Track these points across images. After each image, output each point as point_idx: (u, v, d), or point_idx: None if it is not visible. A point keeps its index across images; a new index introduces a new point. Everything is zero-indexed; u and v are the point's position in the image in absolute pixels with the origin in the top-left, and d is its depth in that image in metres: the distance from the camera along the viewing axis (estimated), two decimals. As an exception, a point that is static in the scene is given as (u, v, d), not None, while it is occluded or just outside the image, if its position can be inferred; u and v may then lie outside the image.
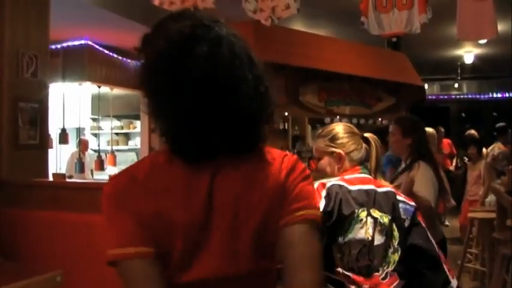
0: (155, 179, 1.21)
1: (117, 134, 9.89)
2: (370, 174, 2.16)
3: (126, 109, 8.32)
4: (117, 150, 9.03)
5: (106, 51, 7.96)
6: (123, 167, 5.97)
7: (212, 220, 1.20)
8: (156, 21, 1.26)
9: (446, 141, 10.18)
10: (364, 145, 2.26)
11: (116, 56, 8.00)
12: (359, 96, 7.26)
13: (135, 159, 6.32)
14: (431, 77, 14.87)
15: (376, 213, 1.99)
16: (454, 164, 9.57)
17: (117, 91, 8.30)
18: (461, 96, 16.20)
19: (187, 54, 1.16)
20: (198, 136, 1.19)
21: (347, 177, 2.12)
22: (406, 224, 2.04)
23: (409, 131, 3.51)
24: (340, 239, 1.99)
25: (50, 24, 4.48)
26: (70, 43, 7.64)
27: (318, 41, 6.94)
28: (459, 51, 11.88)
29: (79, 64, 7.72)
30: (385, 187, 2.12)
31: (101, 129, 9.73)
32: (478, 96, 16.03)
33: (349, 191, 2.03)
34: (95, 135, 9.71)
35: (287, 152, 1.35)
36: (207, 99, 1.16)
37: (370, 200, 2.01)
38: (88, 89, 8.52)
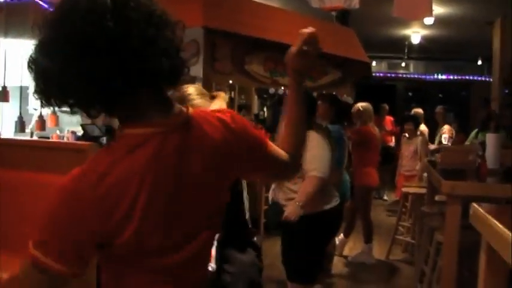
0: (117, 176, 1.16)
1: (61, 94, 9.67)
2: None
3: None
4: (61, 111, 8.85)
5: (51, 9, 7.76)
6: (65, 128, 5.73)
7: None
8: None
9: (388, 119, 10.73)
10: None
11: (61, 14, 7.80)
12: (305, 68, 7.31)
13: (80, 121, 6.24)
14: (379, 54, 15.11)
15: None
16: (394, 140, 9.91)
17: (62, 50, 8.11)
18: (408, 76, 16.55)
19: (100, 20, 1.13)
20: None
21: None
22: None
23: None
24: None
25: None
26: (14, -2, 7.43)
27: (267, 11, 6.92)
28: (407, 31, 12.05)
29: (23, 20, 7.50)
30: None
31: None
32: (424, 77, 16.41)
33: None
34: (38, 94, 9.49)
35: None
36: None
37: None
38: (32, 47, 8.31)
